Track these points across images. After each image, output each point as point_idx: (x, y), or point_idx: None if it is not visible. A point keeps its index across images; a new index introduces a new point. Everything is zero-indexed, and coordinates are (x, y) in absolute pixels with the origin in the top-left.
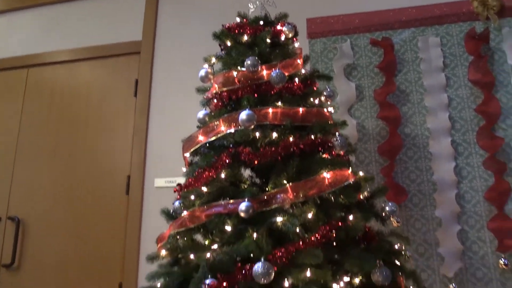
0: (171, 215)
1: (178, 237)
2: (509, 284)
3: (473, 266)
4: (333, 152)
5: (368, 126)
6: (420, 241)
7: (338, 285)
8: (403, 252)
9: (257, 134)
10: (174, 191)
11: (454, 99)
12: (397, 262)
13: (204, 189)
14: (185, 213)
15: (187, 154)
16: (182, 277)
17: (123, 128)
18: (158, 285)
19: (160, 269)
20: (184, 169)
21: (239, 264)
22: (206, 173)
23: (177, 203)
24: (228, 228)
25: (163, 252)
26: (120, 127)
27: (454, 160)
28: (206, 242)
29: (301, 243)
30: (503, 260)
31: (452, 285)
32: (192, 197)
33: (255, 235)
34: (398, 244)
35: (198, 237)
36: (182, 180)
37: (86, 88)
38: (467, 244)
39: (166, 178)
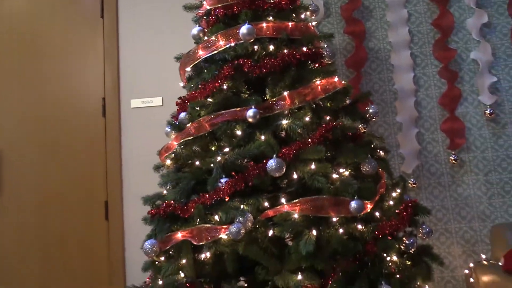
0: (177, 126)
1: (183, 146)
2: (457, 176)
3: (428, 163)
4: (322, 62)
5: (335, 42)
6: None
7: (336, 175)
8: (382, 148)
9: (256, 47)
10: (176, 104)
11: (413, 14)
12: (377, 156)
13: (209, 100)
14: (190, 123)
15: (188, 69)
16: (194, 180)
17: (93, 51)
18: (164, 192)
19: (167, 177)
20: (182, 84)
21: (251, 162)
22: (210, 85)
23: (182, 115)
24: (238, 132)
25: (168, 162)
26: (89, 50)
27: (413, 70)
28: (213, 148)
29: (304, 142)
30: (453, 156)
31: (411, 180)
32: (197, 108)
33: (263, 137)
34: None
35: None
36: (158, 100)
37: (48, 10)
38: (423, 145)
39: (142, 98)
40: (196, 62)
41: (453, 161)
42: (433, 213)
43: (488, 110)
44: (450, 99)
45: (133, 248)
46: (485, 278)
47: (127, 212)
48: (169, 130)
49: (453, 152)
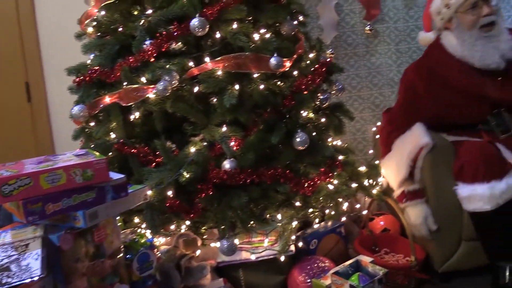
0: None
1: (104, 12)
2: (371, 46)
3: (345, 34)
4: None
5: None
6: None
7: (258, 35)
8: (301, 12)
9: None
10: None
11: None
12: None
13: None
14: None
15: None
16: (119, 45)
17: None
18: (89, 61)
19: (89, 44)
20: None
21: (176, 22)
22: None
23: None
24: None
25: (90, 30)
26: None
27: None
28: (136, 13)
29: (226, 2)
30: (368, 27)
31: (329, 51)
32: None
33: None
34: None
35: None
36: None
37: None
38: (341, 16)
39: None
40: None
41: (368, 31)
42: (348, 82)
43: None
44: None
45: (61, 130)
46: None
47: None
48: None
49: (368, 23)
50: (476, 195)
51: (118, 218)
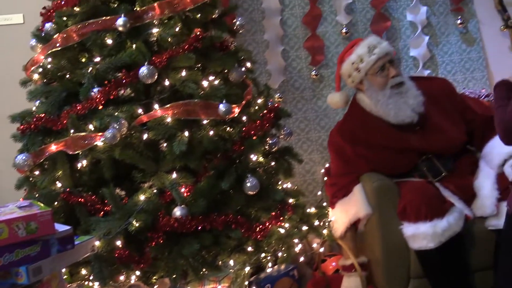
0: (42, 38)
1: (50, 59)
2: (317, 90)
3: (292, 79)
4: None
5: None
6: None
7: (207, 82)
8: (249, 59)
9: None
10: (41, 15)
11: None
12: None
13: (77, 9)
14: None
15: None
16: (66, 92)
17: None
18: (34, 108)
19: (35, 91)
20: None
21: (124, 70)
22: None
23: (48, 25)
24: (109, 41)
25: (36, 76)
26: None
27: None
28: (83, 60)
29: (175, 50)
30: (314, 72)
31: (277, 95)
32: (65, 18)
33: (134, 46)
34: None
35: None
36: (19, 18)
37: None
38: (288, 61)
39: None
40: None
41: (314, 76)
42: (296, 125)
43: (344, 29)
44: (312, 18)
45: (4, 179)
46: None
47: None
48: (34, 43)
49: (314, 68)
50: (420, 234)
51: (64, 270)
